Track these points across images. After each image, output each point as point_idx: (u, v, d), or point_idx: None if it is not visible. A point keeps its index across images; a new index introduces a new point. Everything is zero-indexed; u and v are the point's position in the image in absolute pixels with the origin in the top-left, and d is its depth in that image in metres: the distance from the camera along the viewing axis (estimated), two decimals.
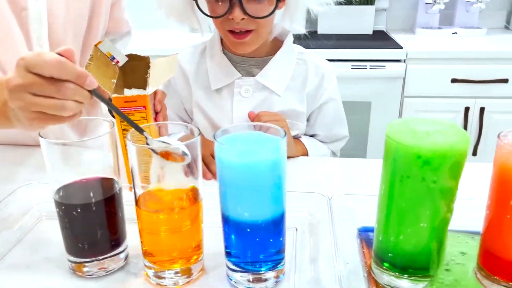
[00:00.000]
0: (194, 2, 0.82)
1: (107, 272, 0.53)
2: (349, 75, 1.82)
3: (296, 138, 0.92)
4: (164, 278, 0.51)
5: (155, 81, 0.68)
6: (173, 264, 0.51)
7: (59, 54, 0.48)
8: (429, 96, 1.84)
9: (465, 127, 1.83)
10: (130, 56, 0.71)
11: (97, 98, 0.51)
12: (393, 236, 0.49)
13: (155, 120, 0.72)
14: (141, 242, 0.52)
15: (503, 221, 0.47)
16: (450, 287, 0.49)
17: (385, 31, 2.24)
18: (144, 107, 0.65)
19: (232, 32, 0.81)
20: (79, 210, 0.51)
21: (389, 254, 0.50)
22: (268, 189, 0.47)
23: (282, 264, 0.52)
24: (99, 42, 0.66)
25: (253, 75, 0.89)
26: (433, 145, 0.44)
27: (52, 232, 0.62)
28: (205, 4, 0.82)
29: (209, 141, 0.83)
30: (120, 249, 0.54)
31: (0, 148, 0.90)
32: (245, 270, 0.50)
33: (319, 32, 2.16)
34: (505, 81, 1.78)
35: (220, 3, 0.78)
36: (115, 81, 0.68)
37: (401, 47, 1.83)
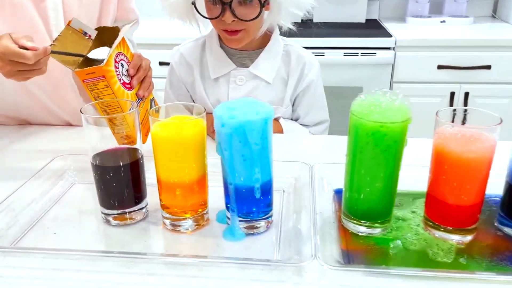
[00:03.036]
0: (193, 6, 0.95)
1: (132, 222, 0.67)
2: (342, 61, 1.94)
3: (276, 119, 1.06)
4: (179, 226, 0.65)
5: (111, 50, 0.77)
6: (186, 214, 0.65)
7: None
8: (417, 82, 1.97)
9: None
10: (102, 28, 0.82)
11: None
12: (356, 194, 0.62)
13: (129, 84, 0.82)
14: (160, 199, 0.66)
15: (440, 180, 0.60)
16: (399, 230, 0.63)
17: (377, 19, 2.35)
18: (103, 76, 0.74)
19: (225, 30, 0.94)
20: (111, 174, 0.64)
21: (353, 208, 0.64)
22: (257, 156, 0.60)
23: (270, 216, 0.66)
24: (70, 21, 0.78)
25: (246, 66, 1.03)
26: (382, 122, 0.57)
27: (84, 193, 0.76)
28: (203, 5, 0.95)
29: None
30: (143, 204, 0.68)
31: (34, 128, 1.04)
32: (242, 220, 0.64)
33: (314, 20, 2.27)
34: (488, 67, 1.90)
35: (215, 7, 0.92)
36: (85, 54, 0.79)
37: (390, 36, 1.95)
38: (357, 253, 0.60)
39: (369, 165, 0.60)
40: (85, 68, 0.75)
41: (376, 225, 0.63)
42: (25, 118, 1.05)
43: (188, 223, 0.65)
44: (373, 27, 2.17)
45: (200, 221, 0.66)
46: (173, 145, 0.61)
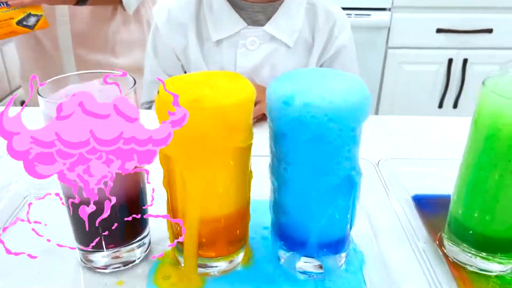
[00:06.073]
0: None
1: (129, 263, 0.43)
2: None
3: None
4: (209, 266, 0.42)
5: None
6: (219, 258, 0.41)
7: None
8: (413, 47, 1.79)
9: (448, 79, 1.80)
10: None
11: None
12: (480, 213, 0.41)
13: None
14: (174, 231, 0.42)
15: None
16: None
17: None
18: None
19: None
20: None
21: (470, 232, 0.43)
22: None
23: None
24: None
25: (260, 24, 0.78)
26: None
27: (46, 215, 0.50)
28: None
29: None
30: (145, 233, 0.44)
31: None
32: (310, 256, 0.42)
33: None
34: (490, 31, 1.74)
35: None
36: None
37: None
38: None
39: None
40: None
41: (507, 260, 0.42)
42: None
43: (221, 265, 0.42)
44: None
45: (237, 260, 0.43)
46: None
